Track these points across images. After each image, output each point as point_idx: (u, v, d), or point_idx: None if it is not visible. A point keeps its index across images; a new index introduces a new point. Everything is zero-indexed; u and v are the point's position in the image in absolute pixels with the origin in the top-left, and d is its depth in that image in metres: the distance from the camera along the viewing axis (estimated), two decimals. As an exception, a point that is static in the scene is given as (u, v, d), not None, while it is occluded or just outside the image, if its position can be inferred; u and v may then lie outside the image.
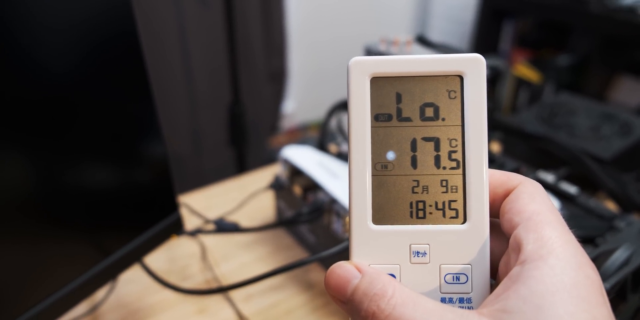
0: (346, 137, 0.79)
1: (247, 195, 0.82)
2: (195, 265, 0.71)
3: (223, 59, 1.51)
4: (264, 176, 0.90)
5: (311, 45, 2.22)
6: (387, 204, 0.27)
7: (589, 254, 0.25)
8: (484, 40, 2.20)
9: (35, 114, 0.41)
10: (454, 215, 0.27)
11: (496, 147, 0.89)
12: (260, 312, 0.63)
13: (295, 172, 0.71)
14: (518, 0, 2.04)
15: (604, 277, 0.47)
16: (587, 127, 0.84)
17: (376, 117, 0.27)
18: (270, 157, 1.77)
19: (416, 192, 0.27)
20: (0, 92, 0.38)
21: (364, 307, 0.24)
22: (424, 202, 0.27)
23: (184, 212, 0.73)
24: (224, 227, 0.67)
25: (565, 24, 2.05)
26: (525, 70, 2.03)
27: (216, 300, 0.65)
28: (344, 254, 0.50)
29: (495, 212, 0.27)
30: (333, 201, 0.62)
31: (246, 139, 1.40)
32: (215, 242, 0.74)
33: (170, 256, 0.72)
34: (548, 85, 1.97)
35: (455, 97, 0.27)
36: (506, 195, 0.27)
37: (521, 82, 2.04)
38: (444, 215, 0.27)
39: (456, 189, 0.27)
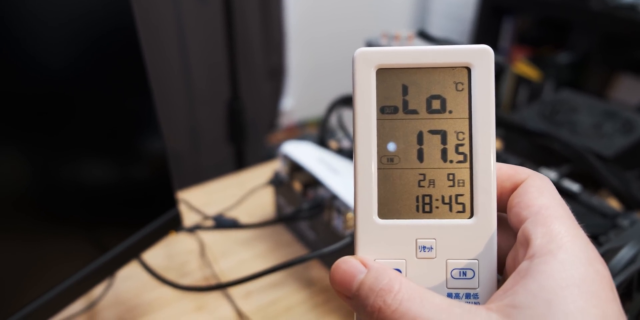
0: (347, 133, 0.79)
1: (247, 192, 0.82)
2: (194, 262, 0.70)
3: (221, 56, 1.50)
4: (263, 172, 0.90)
5: (310, 42, 2.21)
6: (393, 198, 0.26)
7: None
8: (483, 37, 2.20)
9: (31, 109, 0.41)
10: (460, 209, 0.26)
11: (497, 145, 0.89)
12: (259, 309, 0.63)
13: (295, 168, 0.70)
14: (518, -2, 2.03)
15: (610, 275, 0.46)
16: (589, 125, 0.84)
17: (382, 110, 0.26)
18: (268, 154, 1.76)
19: (422, 186, 0.26)
20: (-3, 84, 0.38)
21: (369, 303, 0.23)
22: (430, 196, 0.26)
23: (183, 208, 0.73)
24: (223, 223, 0.67)
25: (565, 22, 2.04)
26: (525, 68, 2.02)
27: (215, 297, 0.64)
28: (345, 251, 0.50)
29: (503, 206, 0.27)
30: (334, 197, 0.62)
31: (245, 135, 1.40)
32: (214, 239, 0.74)
33: (169, 253, 0.71)
34: (548, 83, 1.97)
35: (462, 89, 0.26)
36: (514, 189, 0.26)
37: (521, 80, 2.04)
38: (450, 209, 0.26)
39: (463, 182, 0.26)
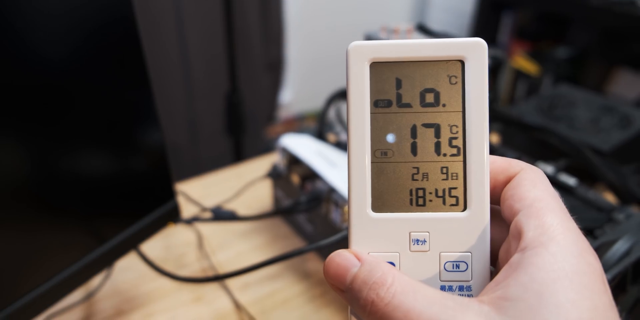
0: (345, 126, 0.79)
1: (245, 184, 0.82)
2: (192, 254, 0.70)
3: (220, 48, 1.50)
4: (261, 165, 0.90)
5: (309, 35, 2.21)
6: (387, 191, 0.27)
7: (588, 245, 0.25)
8: (482, 32, 2.19)
9: (30, 100, 0.41)
10: (454, 202, 0.26)
11: (495, 139, 0.89)
12: (256, 301, 0.63)
13: (294, 161, 0.70)
14: (517, -8, 2.03)
15: (605, 269, 0.47)
16: (586, 119, 0.84)
17: (376, 103, 0.27)
18: (267, 147, 1.76)
19: (416, 179, 0.27)
20: (-5, 75, 0.38)
21: (363, 296, 0.24)
22: (424, 189, 0.27)
23: (181, 200, 0.73)
24: (221, 215, 0.67)
25: (564, 16, 2.04)
26: (523, 63, 2.02)
27: (212, 288, 0.65)
28: (342, 244, 0.50)
29: (496, 198, 0.27)
30: (331, 190, 0.62)
31: (243, 128, 1.40)
32: (212, 231, 0.74)
33: (167, 244, 0.72)
34: (546, 77, 1.97)
35: (456, 83, 0.26)
36: (507, 182, 0.27)
37: (519, 74, 2.04)
38: (444, 202, 0.27)
39: (457, 176, 0.26)
